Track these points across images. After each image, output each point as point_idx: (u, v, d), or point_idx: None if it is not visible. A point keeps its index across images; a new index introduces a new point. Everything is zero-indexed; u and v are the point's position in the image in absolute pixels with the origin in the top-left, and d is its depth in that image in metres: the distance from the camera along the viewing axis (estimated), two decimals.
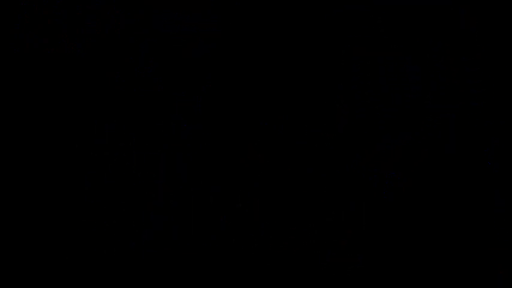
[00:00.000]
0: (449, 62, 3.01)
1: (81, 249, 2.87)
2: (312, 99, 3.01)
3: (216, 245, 2.87)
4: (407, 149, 2.93)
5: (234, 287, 2.82)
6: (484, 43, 3.00)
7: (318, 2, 3.09)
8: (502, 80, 2.96)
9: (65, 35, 3.14)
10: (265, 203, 2.89)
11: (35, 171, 2.96)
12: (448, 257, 2.82)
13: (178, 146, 2.97)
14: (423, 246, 2.83)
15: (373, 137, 2.95)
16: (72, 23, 3.15)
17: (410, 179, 2.90)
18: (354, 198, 2.89)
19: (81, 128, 3.01)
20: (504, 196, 2.84)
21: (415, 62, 3.02)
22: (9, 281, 2.82)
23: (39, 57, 3.12)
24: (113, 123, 3.01)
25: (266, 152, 2.94)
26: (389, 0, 3.06)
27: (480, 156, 2.89)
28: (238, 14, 3.08)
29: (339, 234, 2.85)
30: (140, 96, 3.03)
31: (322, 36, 3.05)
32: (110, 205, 2.92)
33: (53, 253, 2.87)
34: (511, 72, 2.96)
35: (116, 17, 3.14)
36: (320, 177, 2.91)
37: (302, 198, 2.90)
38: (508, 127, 2.90)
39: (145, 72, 3.07)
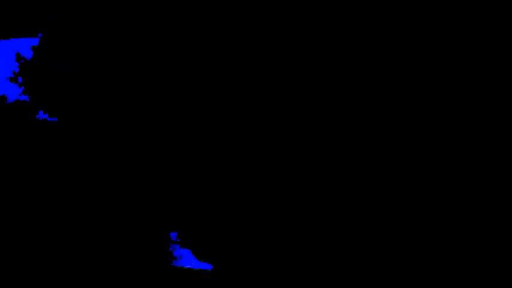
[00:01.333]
0: (449, 62, 3.00)
1: (78, 251, 2.89)
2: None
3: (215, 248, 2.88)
4: (404, 150, 2.93)
5: None
6: (483, 43, 2.99)
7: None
8: (502, 80, 2.96)
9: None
10: (263, 208, 2.90)
11: (31, 172, 2.98)
12: (444, 261, 2.83)
13: None
14: (421, 250, 2.84)
15: (372, 138, 2.95)
16: None
17: (407, 180, 2.91)
18: (352, 201, 2.90)
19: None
20: (503, 198, 2.85)
21: (414, 62, 3.02)
22: (8, 281, 2.84)
23: None
24: None
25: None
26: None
27: (479, 158, 2.89)
28: None
29: (338, 236, 2.86)
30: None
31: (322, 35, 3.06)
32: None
33: (48, 256, 2.89)
34: (511, 73, 2.95)
35: None
36: (319, 177, 2.92)
37: (300, 201, 2.90)
38: (507, 128, 2.90)
39: None
